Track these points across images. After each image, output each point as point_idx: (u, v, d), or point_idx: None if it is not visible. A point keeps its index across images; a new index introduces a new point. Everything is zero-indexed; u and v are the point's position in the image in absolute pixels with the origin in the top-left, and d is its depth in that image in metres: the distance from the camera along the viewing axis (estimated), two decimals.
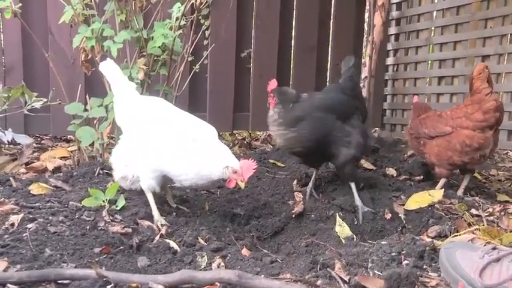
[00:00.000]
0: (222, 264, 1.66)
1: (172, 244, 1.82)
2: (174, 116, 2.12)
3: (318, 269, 1.55)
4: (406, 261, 1.57)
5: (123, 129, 2.20)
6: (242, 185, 1.97)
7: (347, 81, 2.55)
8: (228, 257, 1.72)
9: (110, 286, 1.33)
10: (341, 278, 1.43)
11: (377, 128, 5.10)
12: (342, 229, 2.09)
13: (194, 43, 3.08)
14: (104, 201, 2.03)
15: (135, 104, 2.15)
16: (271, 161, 3.18)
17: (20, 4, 2.63)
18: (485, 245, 1.57)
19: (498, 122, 2.39)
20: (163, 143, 2.02)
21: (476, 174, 2.90)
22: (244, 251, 1.83)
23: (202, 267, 1.67)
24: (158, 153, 2.02)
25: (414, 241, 1.72)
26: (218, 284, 1.36)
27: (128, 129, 2.16)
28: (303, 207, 2.29)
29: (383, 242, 1.80)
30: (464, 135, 2.40)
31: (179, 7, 2.63)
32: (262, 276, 1.51)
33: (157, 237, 1.86)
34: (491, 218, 2.18)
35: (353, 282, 1.38)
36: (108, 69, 2.21)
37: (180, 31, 2.77)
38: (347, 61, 2.63)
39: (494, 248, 1.45)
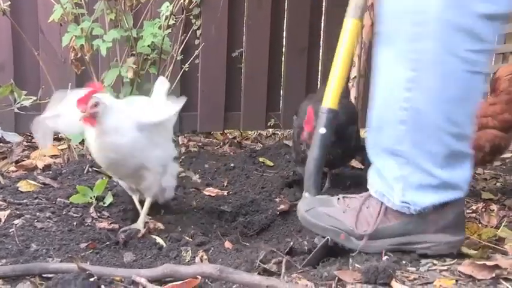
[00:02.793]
0: (205, 257, 1.69)
1: (159, 240, 1.85)
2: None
3: None
4: (386, 257, 1.60)
5: None
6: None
7: None
8: (211, 251, 1.75)
9: (93, 279, 1.35)
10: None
11: (368, 128, 5.12)
12: None
13: (184, 42, 3.11)
14: (91, 198, 2.06)
15: None
16: (261, 159, 3.21)
17: (9, 2, 2.63)
18: (338, 199, 1.66)
19: None
20: None
21: None
22: (227, 244, 1.86)
23: (187, 261, 1.70)
24: None
25: None
26: (199, 277, 1.39)
27: None
28: (289, 205, 2.32)
29: None
30: (493, 135, 2.36)
31: (168, 6, 2.66)
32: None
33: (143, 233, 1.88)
34: (474, 215, 2.21)
35: (332, 276, 1.40)
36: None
37: (169, 30, 2.79)
38: None
39: (344, 197, 1.63)
